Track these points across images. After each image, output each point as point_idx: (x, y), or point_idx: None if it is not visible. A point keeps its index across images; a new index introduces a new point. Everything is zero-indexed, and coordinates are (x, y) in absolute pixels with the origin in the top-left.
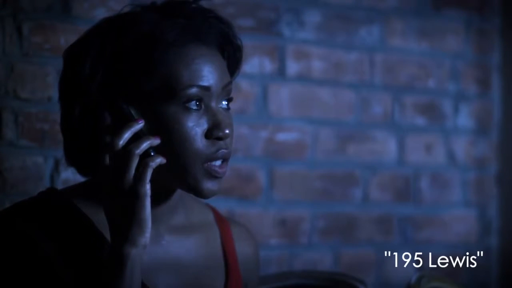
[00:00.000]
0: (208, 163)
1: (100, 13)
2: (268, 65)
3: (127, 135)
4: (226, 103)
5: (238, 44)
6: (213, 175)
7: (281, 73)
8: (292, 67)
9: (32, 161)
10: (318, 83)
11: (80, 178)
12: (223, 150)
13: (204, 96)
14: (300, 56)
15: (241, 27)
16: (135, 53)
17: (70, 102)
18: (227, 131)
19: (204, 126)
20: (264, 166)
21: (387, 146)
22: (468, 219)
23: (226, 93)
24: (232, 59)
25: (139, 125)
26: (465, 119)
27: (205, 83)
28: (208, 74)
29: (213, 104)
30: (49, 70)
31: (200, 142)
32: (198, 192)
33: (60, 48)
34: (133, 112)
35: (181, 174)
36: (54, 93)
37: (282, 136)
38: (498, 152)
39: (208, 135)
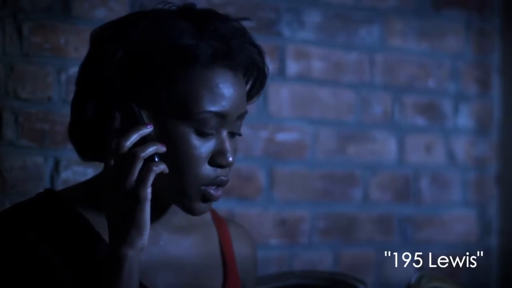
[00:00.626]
0: (205, 187)
1: (100, 13)
2: (268, 65)
3: (134, 138)
4: (238, 124)
5: (265, 72)
6: (207, 198)
7: (281, 73)
8: (292, 67)
9: (32, 161)
10: (318, 83)
11: (80, 178)
12: (222, 178)
13: (218, 123)
14: (300, 56)
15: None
16: (163, 61)
17: (89, 82)
18: (230, 160)
19: (210, 151)
20: (264, 166)
21: (387, 146)
22: (468, 219)
23: (240, 121)
24: (255, 84)
25: (148, 129)
26: (465, 119)
27: (223, 111)
28: (228, 103)
29: (224, 131)
30: (49, 70)
31: (202, 166)
32: (188, 210)
33: (60, 48)
34: (144, 116)
35: (176, 191)
36: (54, 93)
37: (282, 136)
38: (498, 152)
39: (211, 161)
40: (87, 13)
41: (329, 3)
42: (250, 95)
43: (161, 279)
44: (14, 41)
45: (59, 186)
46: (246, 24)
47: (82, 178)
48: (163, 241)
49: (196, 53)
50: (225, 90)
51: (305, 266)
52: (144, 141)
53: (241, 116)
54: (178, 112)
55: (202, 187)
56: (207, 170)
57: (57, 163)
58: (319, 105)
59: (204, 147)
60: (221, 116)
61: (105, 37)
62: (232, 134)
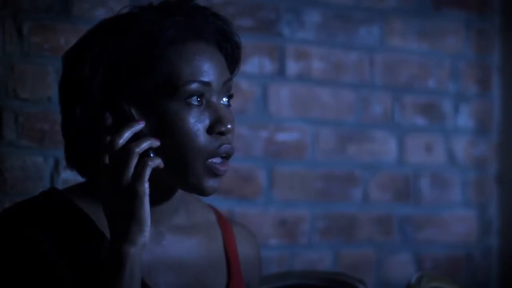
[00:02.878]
0: (210, 160)
1: (100, 13)
2: (268, 65)
3: (127, 135)
4: (227, 99)
5: (236, 41)
6: (214, 173)
7: (281, 73)
8: (292, 67)
9: (32, 161)
10: (318, 83)
11: (80, 179)
12: (226, 145)
13: (205, 91)
14: (300, 56)
15: (241, 27)
16: (135, 52)
17: (71, 103)
18: (229, 126)
19: (206, 121)
20: (264, 166)
21: (387, 146)
22: (468, 219)
23: (227, 89)
24: (230, 56)
25: (140, 125)
26: (465, 119)
27: (205, 78)
28: (209, 70)
29: (214, 99)
30: (49, 70)
31: (202, 137)
32: (199, 190)
33: (60, 48)
34: (134, 112)
35: (183, 172)
36: (54, 93)
37: (282, 136)
38: (498, 152)
39: (210, 130)
40: (87, 13)
41: (329, 3)
42: (230, 68)
43: (163, 279)
44: (14, 41)
45: (59, 186)
46: (246, 23)
47: (82, 178)
48: (166, 241)
49: (161, 32)
50: (202, 58)
51: (305, 266)
52: (137, 138)
53: (226, 82)
54: (164, 92)
55: (208, 161)
56: (208, 140)
57: (57, 163)
58: (319, 105)
59: (198, 118)
60: (206, 84)
61: (71, 57)
62: (224, 106)
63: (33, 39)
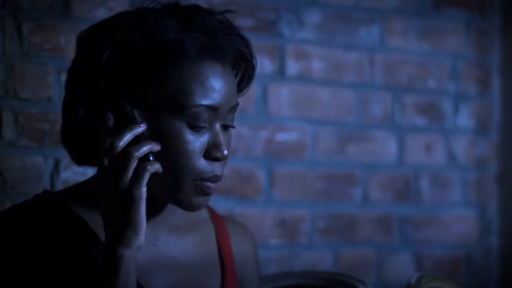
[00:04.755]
0: (199, 181)
1: (100, 13)
2: (268, 65)
3: (127, 137)
4: (231, 116)
5: (253, 64)
6: (204, 191)
7: (281, 73)
8: (292, 67)
9: (32, 161)
10: (318, 83)
11: (80, 178)
12: (216, 174)
13: (210, 116)
14: (300, 56)
15: (241, 27)
16: (151, 58)
17: (78, 85)
18: (225, 153)
19: (204, 145)
20: (264, 166)
21: (387, 146)
22: (468, 219)
23: (232, 114)
24: (244, 76)
25: (141, 128)
26: (465, 119)
27: (213, 103)
28: (218, 95)
29: (217, 124)
30: (49, 70)
31: (198, 160)
32: (186, 206)
33: (60, 48)
34: (136, 115)
35: (172, 188)
36: (54, 93)
37: (282, 136)
38: (498, 152)
39: (206, 154)
40: (87, 13)
41: (329, 3)
42: (240, 87)
43: (159, 280)
44: (14, 41)
45: (59, 186)
46: (246, 23)
47: (82, 178)
48: (161, 241)
49: (183, 48)
50: (216, 83)
51: (305, 266)
52: (137, 140)
53: (233, 108)
54: (170, 108)
55: (197, 181)
56: (202, 164)
57: (57, 163)
58: (319, 105)
59: (198, 141)
60: (213, 109)
61: (91, 39)
62: (225, 127)
63: (33, 39)
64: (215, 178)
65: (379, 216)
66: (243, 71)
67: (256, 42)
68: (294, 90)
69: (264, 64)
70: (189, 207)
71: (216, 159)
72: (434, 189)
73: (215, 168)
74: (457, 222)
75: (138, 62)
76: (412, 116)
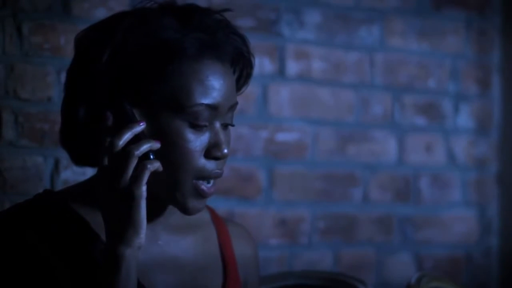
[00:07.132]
0: (198, 181)
1: (100, 13)
2: (268, 65)
3: (127, 136)
4: (230, 115)
5: (251, 61)
6: (200, 194)
7: (281, 73)
8: (292, 67)
9: (32, 161)
10: (318, 83)
11: (80, 178)
12: (217, 171)
13: (210, 115)
14: (300, 56)
15: (241, 27)
16: (150, 58)
17: (78, 86)
18: (225, 152)
19: (205, 144)
20: (264, 166)
21: (387, 146)
22: (468, 219)
23: (231, 112)
24: (242, 74)
25: (140, 127)
26: (465, 119)
27: (214, 103)
28: (218, 94)
29: (217, 123)
30: (49, 70)
31: (198, 159)
32: (182, 208)
33: (60, 48)
34: (136, 114)
35: (170, 187)
36: (54, 93)
37: (282, 136)
38: (498, 152)
39: (207, 153)
40: (87, 13)
41: (329, 3)
42: (238, 85)
43: (159, 279)
44: (14, 41)
45: (59, 186)
46: (246, 23)
47: (82, 178)
48: (162, 241)
49: (182, 47)
50: (215, 81)
51: (305, 266)
52: (137, 139)
53: (232, 107)
54: (170, 107)
55: (195, 181)
56: (202, 163)
57: (57, 163)
58: (319, 105)
59: (198, 140)
60: (213, 108)
61: (90, 40)
62: (225, 126)
63: (33, 39)
64: (216, 175)
65: (379, 216)
66: (241, 68)
67: (256, 42)
68: (294, 90)
69: (264, 64)
70: (186, 210)
71: (216, 158)
72: (434, 189)
73: (215, 166)
74: (457, 222)
75: (138, 61)
76: (412, 116)
